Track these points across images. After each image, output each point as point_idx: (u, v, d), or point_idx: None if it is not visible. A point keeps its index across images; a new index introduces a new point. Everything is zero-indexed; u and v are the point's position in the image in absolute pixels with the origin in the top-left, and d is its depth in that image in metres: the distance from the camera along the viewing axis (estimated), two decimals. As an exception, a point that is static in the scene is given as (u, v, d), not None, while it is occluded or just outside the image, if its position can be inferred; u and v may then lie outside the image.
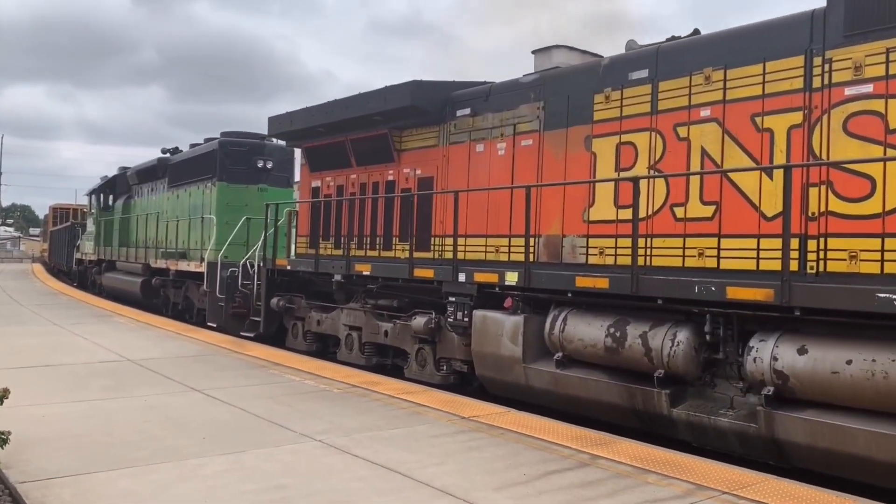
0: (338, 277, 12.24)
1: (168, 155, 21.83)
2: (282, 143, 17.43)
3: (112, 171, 28.88)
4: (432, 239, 11.23)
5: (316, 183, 14.12)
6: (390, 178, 12.25)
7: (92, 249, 28.05)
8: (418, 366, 10.76)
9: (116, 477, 5.31)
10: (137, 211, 23.96)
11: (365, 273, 11.56)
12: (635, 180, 7.87)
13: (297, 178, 17.37)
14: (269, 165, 17.86)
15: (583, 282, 8.22)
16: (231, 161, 17.71)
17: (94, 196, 28.46)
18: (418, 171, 11.72)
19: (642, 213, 8.01)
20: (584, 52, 10.60)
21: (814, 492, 5.31)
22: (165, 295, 20.20)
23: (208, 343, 12.72)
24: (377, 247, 12.37)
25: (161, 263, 19.57)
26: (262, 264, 14.30)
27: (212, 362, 10.72)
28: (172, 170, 20.78)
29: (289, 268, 13.67)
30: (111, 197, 27.05)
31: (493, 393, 9.43)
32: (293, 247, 14.84)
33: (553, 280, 8.67)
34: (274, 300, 13.89)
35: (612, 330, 7.95)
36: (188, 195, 19.49)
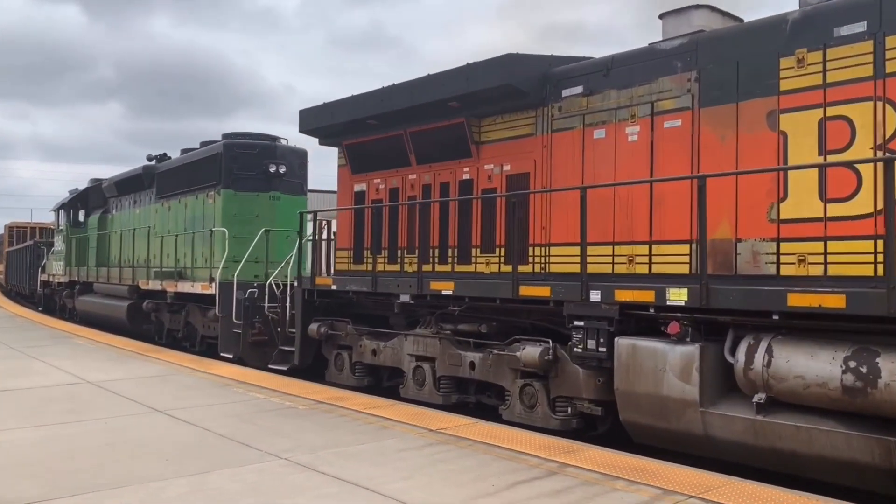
0: (405, 298, 10.13)
1: (154, 162, 19.41)
2: (294, 145, 16.24)
3: (72, 188, 26.07)
4: (530, 249, 9.27)
5: (360, 186, 12.03)
6: (465, 176, 10.29)
7: (62, 270, 25.29)
8: (524, 406, 8.65)
9: (79, 503, 5.17)
10: (118, 226, 21.41)
11: (445, 293, 9.47)
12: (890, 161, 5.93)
13: (310, 185, 16.85)
14: (283, 170, 15.42)
15: (800, 300, 6.28)
16: (238, 166, 15.31)
17: (62, 211, 25.50)
18: (506, 167, 9.74)
19: (868, 209, 6.45)
20: (727, 14, 8.64)
21: (779, 493, 5.37)
22: (159, 321, 17.83)
23: (170, 362, 12.51)
24: (449, 260, 10.37)
25: (154, 285, 17.00)
26: (295, 284, 12.22)
27: (174, 382, 10.54)
28: (162, 178, 18.36)
29: (334, 287, 11.39)
30: (82, 212, 24.47)
31: (643, 443, 7.52)
32: (326, 264, 12.89)
33: (750, 298, 6.67)
34: (313, 326, 11.69)
35: (852, 364, 6.01)
36: (184, 206, 17.09)
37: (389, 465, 6.11)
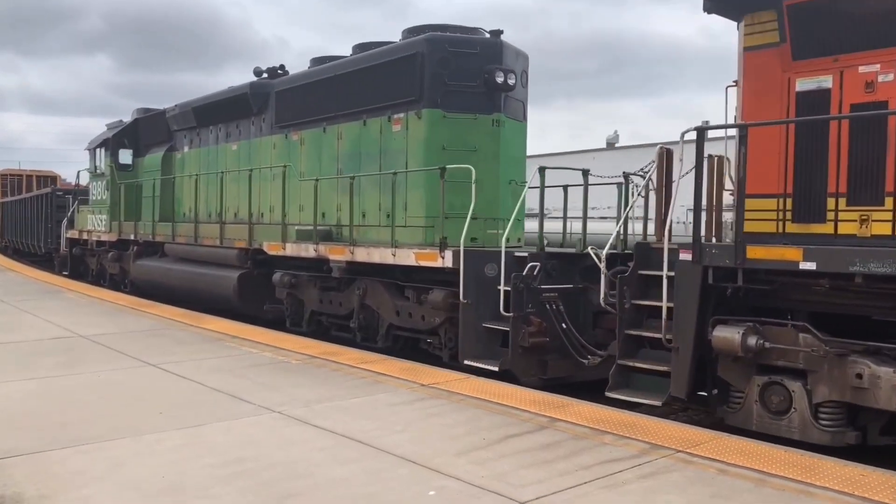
0: None
1: (265, 77, 14.09)
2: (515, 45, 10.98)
3: (111, 121, 20.52)
4: None
5: (811, 81, 6.92)
6: None
7: (104, 225, 19.61)
8: None
9: (70, 455, 5.22)
10: (193, 167, 16.30)
11: None
12: None
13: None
14: (511, 81, 10.43)
15: None
16: (451, 73, 10.31)
17: (102, 150, 19.78)
18: None
19: None
20: None
21: (765, 448, 5.46)
22: (295, 299, 12.46)
23: (162, 317, 12.53)
24: None
25: (296, 249, 11.80)
26: (668, 255, 7.23)
27: (167, 336, 10.58)
28: (287, 99, 13.20)
29: (806, 266, 6.27)
30: (128, 152, 19.17)
31: None
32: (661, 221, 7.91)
33: None
34: (726, 333, 6.66)
35: None
36: (336, 138, 11.97)
37: (382, 419, 6.17)
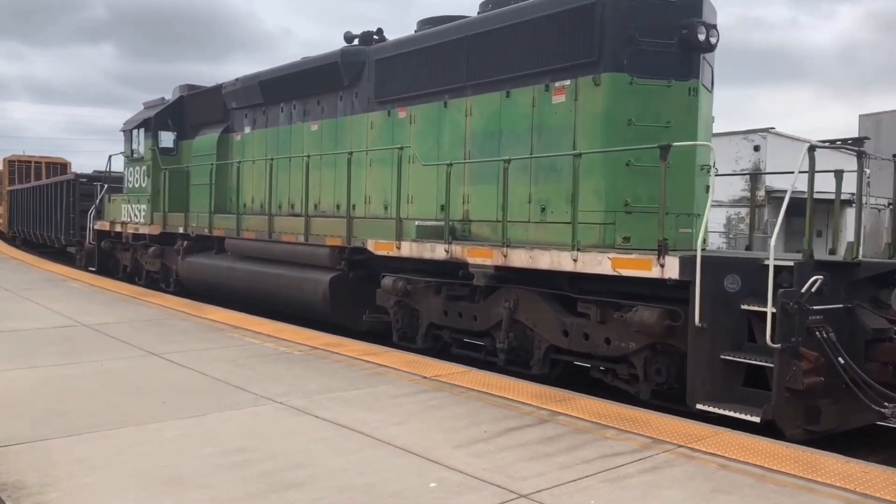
0: None
1: (355, 45, 11.94)
2: None
3: (148, 100, 18.34)
4: None
5: None
6: None
7: (143, 216, 17.34)
8: None
9: (73, 443, 5.23)
10: (258, 151, 14.14)
11: None
12: None
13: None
14: (714, 41, 8.46)
15: None
16: (640, 28, 8.24)
17: (140, 131, 17.40)
18: None
19: None
20: None
21: (767, 444, 5.45)
22: (408, 309, 10.25)
23: (165, 307, 12.54)
24: None
25: (427, 250, 9.48)
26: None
27: (169, 326, 10.58)
28: (388, 69, 11.12)
29: None
30: (170, 134, 16.98)
31: None
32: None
33: None
34: None
35: None
36: (462, 113, 9.88)
37: (383, 411, 6.17)
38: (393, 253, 10.04)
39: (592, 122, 8.41)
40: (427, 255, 9.54)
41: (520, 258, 8.34)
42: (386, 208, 10.92)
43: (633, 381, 7.65)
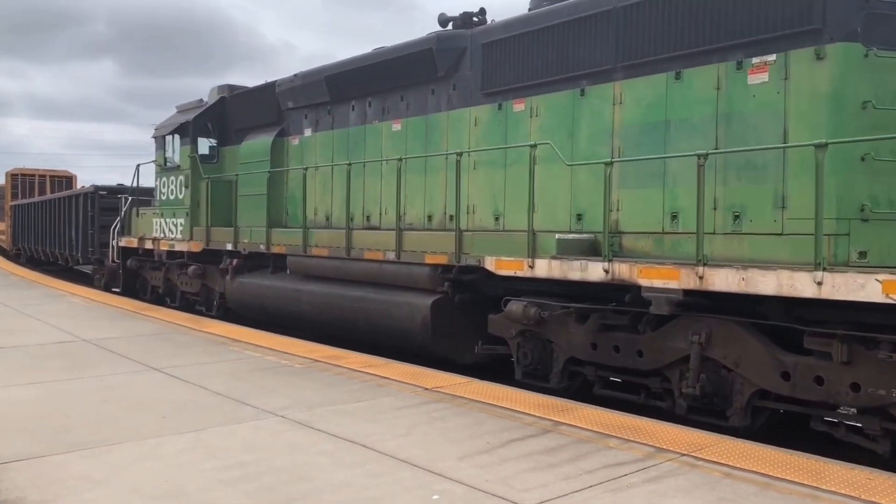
0: None
1: (448, 28, 10.36)
2: None
3: (182, 103, 16.64)
4: None
5: None
6: None
7: (180, 231, 15.36)
8: None
9: (74, 459, 5.21)
10: (323, 155, 12.41)
11: None
12: None
13: None
14: None
15: None
16: None
17: (175, 137, 15.73)
18: None
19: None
20: None
21: (771, 451, 5.42)
22: (537, 343, 8.61)
23: (166, 321, 12.53)
24: None
25: (576, 269, 7.71)
26: None
27: (170, 340, 10.57)
28: (500, 53, 9.45)
29: None
30: (208, 141, 15.32)
31: None
32: None
33: None
34: None
35: None
36: (610, 101, 8.25)
37: (385, 423, 6.15)
38: (523, 273, 8.25)
39: (813, 105, 6.64)
40: (574, 275, 7.68)
41: (725, 280, 6.45)
42: (497, 219, 9.33)
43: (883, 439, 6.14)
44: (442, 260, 9.44)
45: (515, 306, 8.42)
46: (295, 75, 13.00)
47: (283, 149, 13.42)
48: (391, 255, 10.16)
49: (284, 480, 4.79)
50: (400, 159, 10.22)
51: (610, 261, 7.34)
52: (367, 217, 11.42)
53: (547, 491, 4.60)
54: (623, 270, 7.26)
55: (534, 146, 8.33)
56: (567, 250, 7.92)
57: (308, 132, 12.92)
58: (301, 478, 4.84)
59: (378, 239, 10.61)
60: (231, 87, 15.39)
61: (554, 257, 7.92)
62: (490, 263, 8.69)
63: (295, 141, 13.22)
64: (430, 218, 10.43)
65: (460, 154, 9.29)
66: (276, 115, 13.65)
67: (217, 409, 6.64)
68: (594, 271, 7.48)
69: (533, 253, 8.21)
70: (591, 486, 4.69)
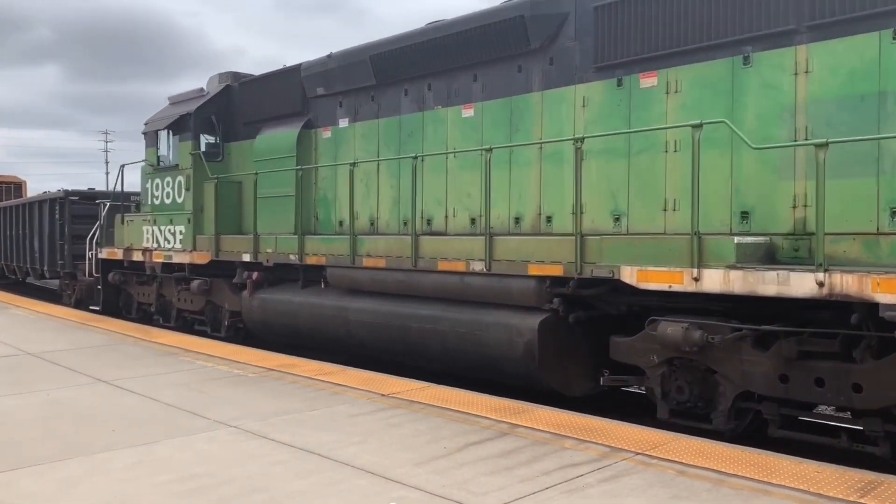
0: None
1: None
2: None
3: (175, 93, 14.67)
4: None
5: None
6: None
7: (180, 240, 13.36)
8: None
9: (18, 477, 5.05)
10: (364, 148, 10.76)
11: None
12: None
13: None
14: None
15: None
16: None
17: (165, 134, 13.96)
18: None
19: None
20: None
21: (723, 448, 5.53)
22: (694, 376, 6.95)
23: (114, 332, 12.25)
24: None
25: (793, 283, 5.84)
26: None
27: (119, 351, 10.33)
28: (620, 17, 7.86)
29: None
30: (208, 138, 13.38)
31: None
32: None
33: None
34: None
35: None
36: (789, 71, 6.71)
37: (341, 431, 6.10)
38: (682, 286, 6.55)
39: None
40: (767, 290, 6.01)
41: None
42: (617, 219, 7.79)
43: None
44: (554, 271, 7.68)
45: (672, 329, 6.64)
46: (329, 55, 11.25)
47: (310, 142, 11.67)
48: (477, 266, 8.40)
49: (239, 492, 4.72)
50: (488, 149, 8.37)
51: (826, 270, 5.68)
52: (428, 221, 9.68)
53: (504, 494, 4.62)
54: (849, 283, 5.59)
55: (698, 126, 6.51)
56: (743, 257, 6.36)
57: (344, 122, 11.16)
58: (256, 488, 4.77)
59: (457, 246, 8.77)
60: (235, 75, 13.53)
61: (732, 266, 6.22)
62: (629, 275, 6.94)
63: (326, 133, 11.45)
64: (517, 220, 8.74)
65: (581, 140, 7.50)
66: (300, 104, 11.86)
67: (169, 421, 6.51)
68: (801, 284, 5.80)
69: (699, 261, 6.43)
70: (547, 488, 4.71)
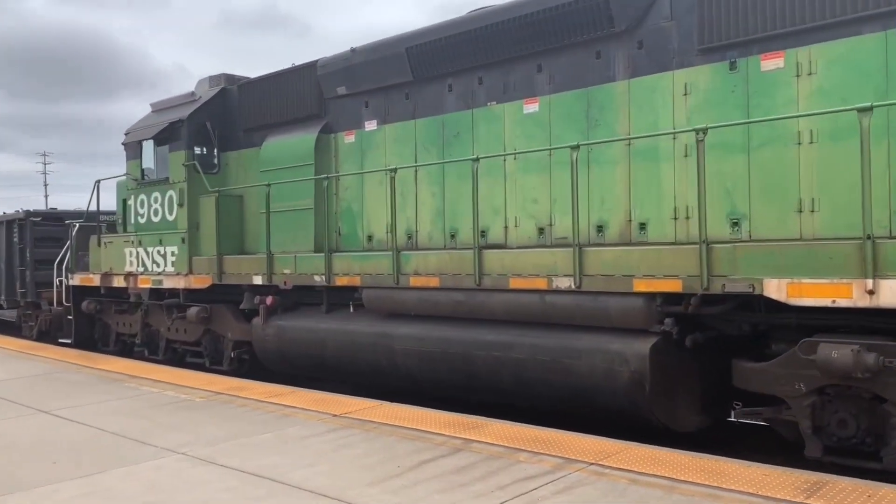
0: None
1: None
2: None
3: (159, 100, 13.14)
4: None
5: None
6: None
7: (172, 262, 11.87)
8: None
9: (-46, 516, 4.85)
10: (398, 153, 9.58)
11: None
12: None
13: None
14: None
15: None
16: None
17: (148, 143, 12.48)
18: None
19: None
20: None
21: (674, 455, 5.59)
22: (856, 405, 5.82)
23: (56, 360, 11.88)
24: None
25: None
26: None
27: (62, 380, 10.03)
28: None
29: None
30: (210, 144, 11.89)
31: None
32: None
33: None
34: None
35: None
36: None
37: (293, 454, 6.00)
38: (853, 302, 5.59)
39: None
40: None
41: None
42: (735, 224, 6.77)
43: None
44: (670, 286, 6.56)
45: (839, 352, 5.58)
46: (352, 50, 10.07)
47: (330, 148, 10.38)
48: (563, 283, 7.25)
49: (188, 521, 4.60)
50: (575, 146, 7.23)
51: None
52: (482, 232, 8.42)
53: (459, 511, 4.59)
54: None
55: (867, 109, 5.50)
56: None
57: (371, 124, 9.96)
58: (206, 517, 4.66)
59: (533, 259, 7.61)
60: (229, 77, 12.14)
61: None
62: (775, 289, 5.93)
63: (349, 137, 10.22)
64: (599, 228, 7.70)
65: (703, 131, 6.39)
66: (316, 106, 10.59)
67: (115, 451, 6.32)
68: None
69: (874, 270, 5.45)
70: (503, 503, 4.70)
